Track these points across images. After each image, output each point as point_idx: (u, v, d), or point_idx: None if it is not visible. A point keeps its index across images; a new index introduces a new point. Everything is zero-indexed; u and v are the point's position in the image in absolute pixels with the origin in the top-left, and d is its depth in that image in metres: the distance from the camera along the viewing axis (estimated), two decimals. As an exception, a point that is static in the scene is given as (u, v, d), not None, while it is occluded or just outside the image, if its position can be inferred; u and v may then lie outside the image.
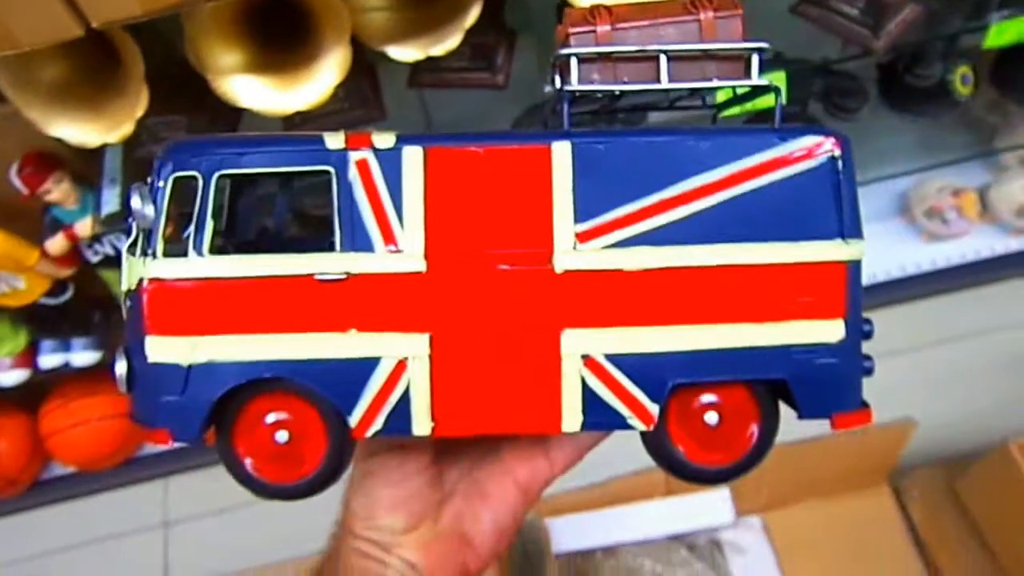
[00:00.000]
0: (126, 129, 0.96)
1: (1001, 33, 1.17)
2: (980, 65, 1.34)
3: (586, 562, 1.37)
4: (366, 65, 1.09)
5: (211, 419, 0.52)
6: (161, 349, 0.51)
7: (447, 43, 0.95)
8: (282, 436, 0.53)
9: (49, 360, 1.38)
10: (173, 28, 0.94)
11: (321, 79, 0.95)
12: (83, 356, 1.38)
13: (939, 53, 1.29)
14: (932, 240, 1.60)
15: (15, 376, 1.38)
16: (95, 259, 1.20)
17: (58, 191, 1.12)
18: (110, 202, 1.13)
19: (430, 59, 0.98)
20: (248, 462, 0.53)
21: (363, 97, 1.08)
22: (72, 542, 1.67)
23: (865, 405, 0.54)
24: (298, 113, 0.98)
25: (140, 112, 0.94)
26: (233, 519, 1.50)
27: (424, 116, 1.27)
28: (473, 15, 0.94)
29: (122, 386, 0.52)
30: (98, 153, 1.12)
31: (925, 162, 1.57)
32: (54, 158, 1.11)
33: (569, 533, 1.38)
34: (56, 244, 1.15)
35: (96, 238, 1.18)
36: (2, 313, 1.31)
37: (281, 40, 0.97)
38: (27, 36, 0.75)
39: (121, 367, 0.52)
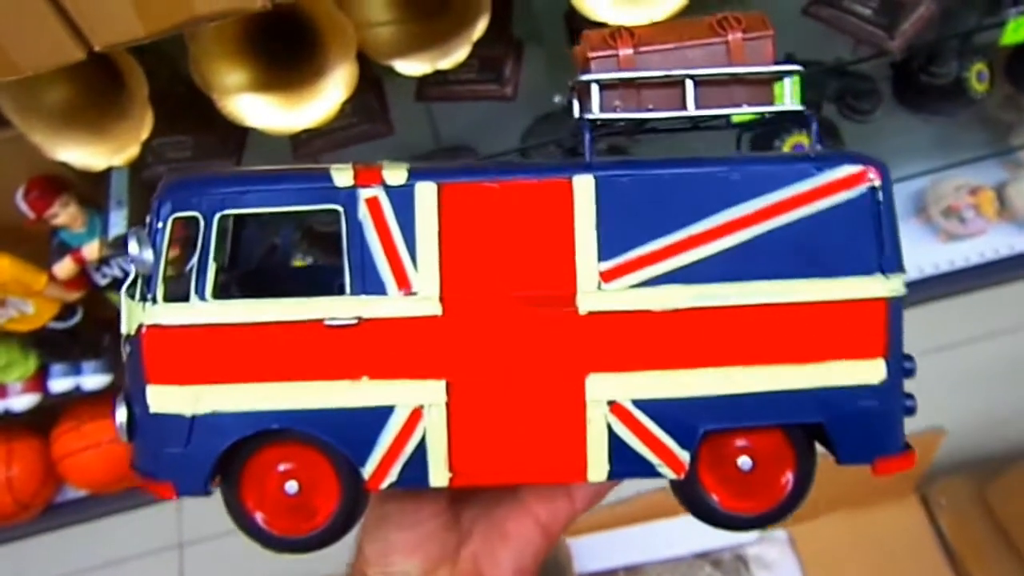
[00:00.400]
0: (131, 151, 0.94)
1: (1018, 29, 1.15)
2: (995, 62, 1.32)
3: (609, 582, 1.35)
4: (373, 79, 1.08)
5: (217, 470, 0.49)
6: (163, 399, 0.49)
7: (455, 56, 0.94)
8: (292, 487, 0.50)
9: (59, 384, 1.38)
10: (178, 48, 0.93)
11: (328, 96, 0.93)
12: (93, 379, 1.37)
13: (954, 51, 1.27)
14: (950, 240, 1.57)
15: (26, 401, 1.37)
16: (103, 282, 1.19)
17: (65, 215, 1.11)
18: (117, 224, 1.12)
19: (437, 72, 0.96)
20: (256, 514, 0.51)
21: (370, 112, 1.07)
22: (87, 565, 1.66)
23: (908, 448, 0.51)
24: (305, 130, 0.96)
25: (145, 134, 0.93)
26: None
27: (432, 130, 1.25)
28: (481, 28, 0.93)
29: (123, 435, 0.50)
30: (104, 175, 1.11)
31: (941, 161, 1.54)
32: (60, 181, 1.11)
33: (591, 553, 1.36)
34: (64, 268, 1.15)
35: (104, 261, 1.17)
36: (11, 338, 1.30)
37: (286, 58, 0.96)
38: (27, 61, 0.74)
39: (121, 415, 0.50)
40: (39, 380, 1.38)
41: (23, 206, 1.09)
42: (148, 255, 0.48)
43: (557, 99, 1.15)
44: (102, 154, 0.95)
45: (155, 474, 0.50)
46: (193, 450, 0.49)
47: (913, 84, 1.31)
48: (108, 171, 1.09)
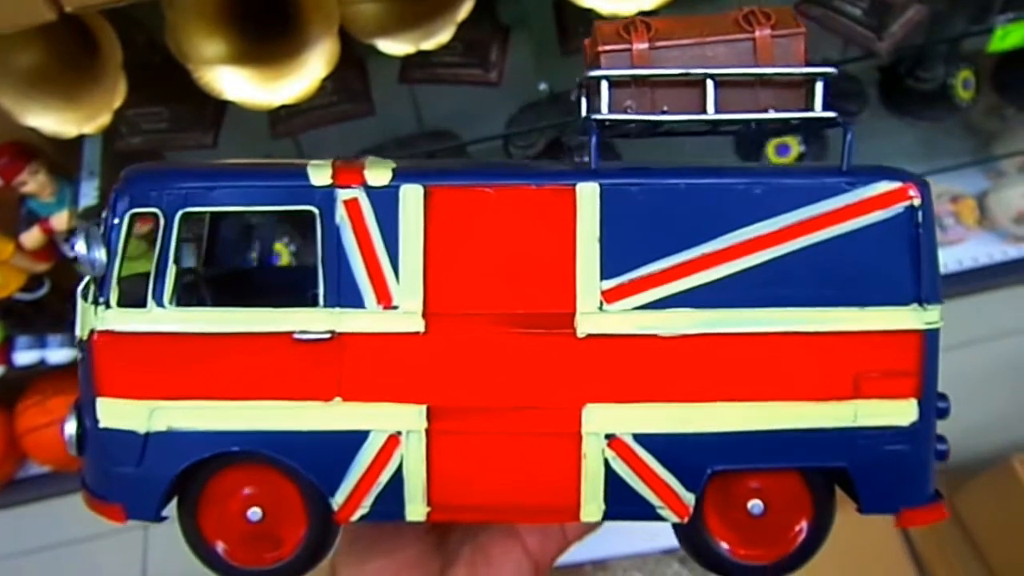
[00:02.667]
0: (103, 119, 0.92)
1: (1005, 36, 1.15)
2: (982, 70, 1.32)
3: (576, 576, 1.34)
4: (355, 59, 1.06)
5: (172, 492, 0.46)
6: (114, 413, 0.45)
7: (439, 37, 0.92)
8: (255, 514, 0.47)
9: (24, 357, 1.35)
10: (155, 17, 0.91)
11: (308, 72, 0.91)
12: (59, 353, 1.34)
13: (941, 57, 1.27)
14: (929, 247, 1.58)
15: (-11, 372, 1.35)
16: (72, 254, 1.16)
17: (34, 183, 1.08)
18: (88, 195, 1.09)
19: (421, 54, 0.95)
20: (215, 543, 0.47)
21: (352, 91, 1.05)
22: (48, 543, 1.63)
23: (937, 497, 0.46)
24: (284, 106, 0.94)
25: (118, 102, 0.90)
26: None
27: (415, 112, 1.23)
28: (466, 8, 0.91)
29: (72, 449, 0.46)
30: (76, 145, 1.08)
31: (923, 167, 1.54)
32: (31, 149, 1.08)
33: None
34: (31, 238, 1.12)
35: (73, 232, 1.14)
36: (-24, 306, 1.27)
37: (267, 30, 0.94)
38: (-3, 20, 0.71)
39: (71, 427, 0.46)
40: (3, 352, 1.35)
41: (-9, 172, 1.07)
42: (100, 255, 0.44)
43: (543, 87, 1.13)
44: (73, 121, 0.93)
45: (104, 495, 0.46)
46: (145, 470, 0.45)
47: (899, 88, 1.31)
48: (80, 141, 1.07)
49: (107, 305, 0.45)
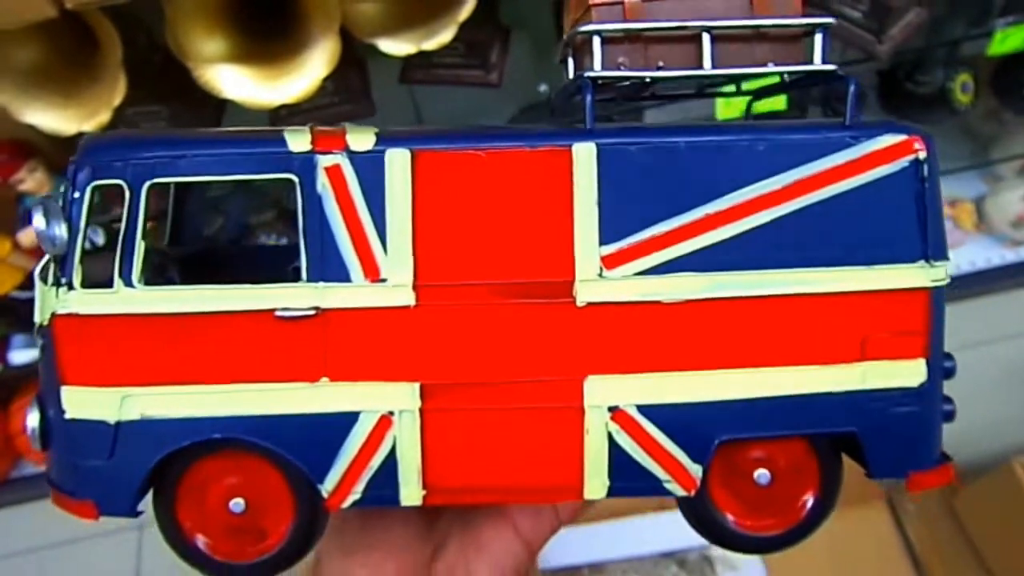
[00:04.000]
0: (102, 117, 0.92)
1: (1005, 40, 1.15)
2: (980, 74, 1.33)
3: (572, 579, 1.34)
4: (356, 59, 1.06)
5: (148, 484, 0.43)
6: (81, 402, 0.42)
7: (440, 37, 0.92)
8: (238, 505, 0.44)
9: (20, 355, 1.34)
10: (155, 15, 0.91)
11: (309, 71, 0.91)
12: (56, 353, 1.33)
13: (940, 60, 1.27)
14: (927, 251, 1.58)
15: (-16, 371, 1.34)
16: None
17: (32, 180, 1.08)
18: (86, 194, 1.09)
19: (422, 54, 0.95)
20: (195, 536, 0.44)
21: (352, 92, 1.05)
22: (42, 543, 1.62)
23: (945, 459, 0.45)
24: (284, 106, 0.94)
25: (117, 99, 0.90)
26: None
27: (415, 113, 1.23)
28: (467, 9, 0.91)
29: (35, 443, 0.43)
30: (74, 143, 1.08)
31: (921, 171, 1.55)
32: (29, 146, 1.08)
33: (555, 548, 1.33)
34: (29, 236, 1.12)
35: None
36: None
37: (268, 29, 0.93)
38: (-3, 16, 0.71)
39: (33, 419, 0.43)
40: (-1, 350, 1.35)
41: (-12, 170, 1.06)
42: (60, 231, 0.41)
43: (543, 88, 1.13)
44: (72, 119, 0.92)
45: (72, 491, 0.43)
46: (118, 463, 0.42)
47: (898, 91, 1.31)
48: (78, 139, 1.06)
49: (70, 286, 0.41)
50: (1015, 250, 1.56)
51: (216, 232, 0.58)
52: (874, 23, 1.06)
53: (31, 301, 1.26)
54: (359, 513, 0.48)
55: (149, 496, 0.45)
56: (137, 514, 0.43)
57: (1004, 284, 1.55)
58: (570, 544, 1.35)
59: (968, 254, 1.56)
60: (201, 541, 0.44)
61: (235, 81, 0.92)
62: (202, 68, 0.90)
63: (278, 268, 0.43)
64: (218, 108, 1.05)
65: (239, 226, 0.56)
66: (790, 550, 0.46)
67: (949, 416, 0.45)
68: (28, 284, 1.23)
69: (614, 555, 1.33)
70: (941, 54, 1.26)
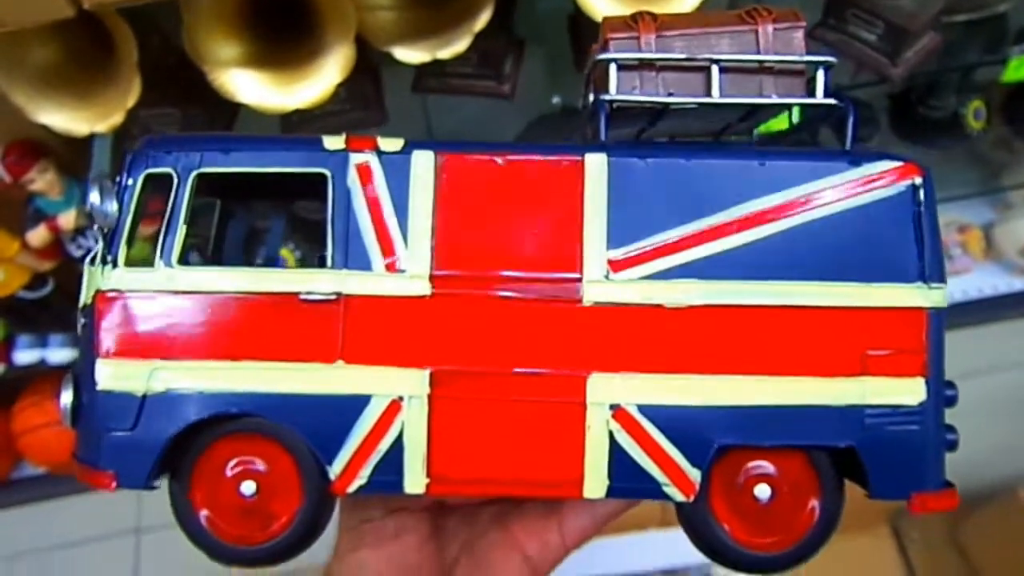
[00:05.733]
0: (116, 119, 0.92)
1: (1020, 67, 1.15)
2: (993, 101, 1.32)
3: (571, 595, 1.32)
4: (370, 67, 1.06)
5: (165, 462, 0.45)
6: (113, 375, 0.44)
7: (455, 46, 0.92)
8: (248, 488, 0.46)
9: (24, 356, 1.34)
10: (171, 18, 0.91)
11: (323, 77, 0.91)
12: (60, 353, 1.33)
13: (954, 86, 1.27)
14: (936, 276, 1.57)
15: (-12, 370, 1.34)
16: (78, 253, 1.16)
17: (42, 181, 1.08)
18: (96, 195, 1.09)
19: (436, 64, 0.95)
20: (205, 517, 0.46)
21: (365, 99, 1.05)
22: (40, 546, 1.62)
23: (949, 484, 0.45)
24: (296, 111, 0.94)
25: (132, 102, 0.90)
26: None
27: (426, 122, 1.23)
28: (483, 19, 0.91)
29: (66, 419, 0.46)
30: (86, 145, 1.08)
31: (931, 196, 1.54)
32: (40, 147, 1.08)
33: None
34: (38, 236, 1.11)
35: (80, 231, 1.14)
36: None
37: (283, 34, 0.93)
38: (13, 15, 0.71)
39: (67, 396, 0.46)
40: (4, 350, 1.35)
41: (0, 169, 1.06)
42: (111, 208, 0.45)
43: (556, 100, 1.14)
44: (85, 119, 0.92)
45: (95, 462, 0.45)
46: (141, 433, 0.44)
47: (910, 115, 1.31)
48: (90, 141, 1.07)
49: (115, 264, 0.45)
50: (1023, 278, 1.56)
51: (253, 258, 0.62)
52: (889, 46, 1.06)
53: (37, 302, 1.26)
54: (374, 530, 0.49)
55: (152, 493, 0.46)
56: (152, 487, 0.45)
57: (1012, 312, 1.55)
58: (571, 559, 1.33)
59: (976, 281, 1.56)
60: (213, 524, 0.46)
61: (250, 85, 0.92)
62: (217, 72, 0.90)
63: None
64: (231, 112, 1.05)
65: (276, 253, 0.60)
66: (793, 572, 0.46)
67: (952, 445, 0.46)
68: (34, 285, 1.23)
69: (615, 571, 1.32)
70: (955, 79, 1.26)
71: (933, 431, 0.45)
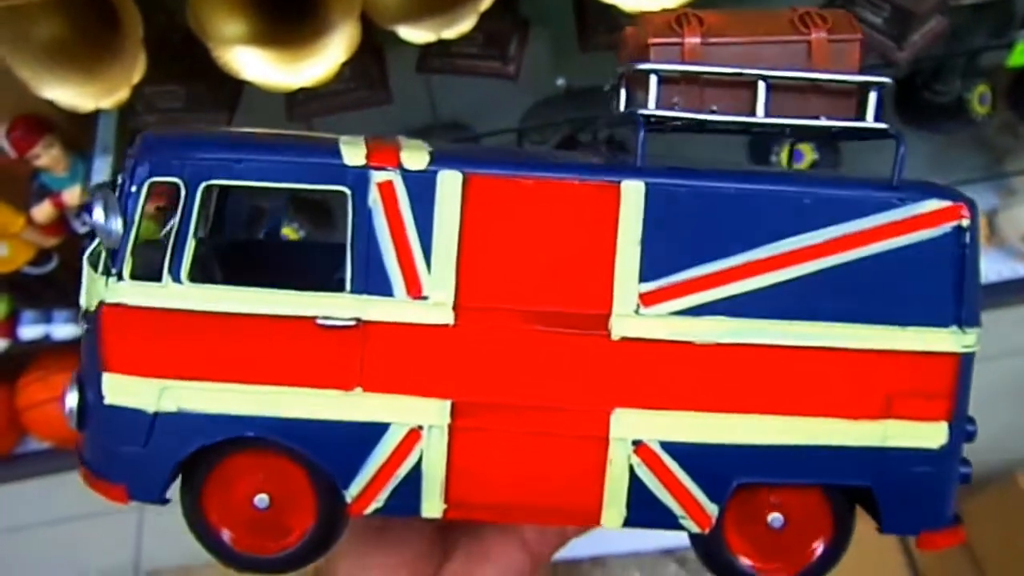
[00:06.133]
0: (121, 95, 0.92)
1: (1026, 52, 1.15)
2: (999, 86, 1.32)
3: (573, 572, 1.34)
4: (374, 46, 1.06)
5: (178, 472, 0.44)
6: (122, 390, 0.43)
7: (460, 26, 0.92)
8: (262, 501, 0.45)
9: (29, 331, 1.34)
10: (178, -6, 0.91)
11: (328, 56, 0.91)
12: (64, 329, 1.34)
13: (959, 70, 1.26)
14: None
15: (-8, 345, 1.34)
16: (82, 229, 1.16)
17: (47, 156, 1.08)
18: (101, 171, 1.09)
19: (440, 44, 0.95)
20: (219, 527, 0.45)
21: (370, 78, 1.05)
22: (44, 519, 1.63)
23: (957, 520, 0.46)
24: (301, 89, 0.94)
25: (137, 77, 0.90)
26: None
27: (430, 104, 1.23)
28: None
29: (72, 421, 0.45)
30: (91, 120, 1.08)
31: (935, 180, 1.54)
32: (45, 122, 1.08)
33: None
34: (42, 211, 1.12)
35: (84, 207, 1.14)
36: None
37: (288, 12, 0.93)
38: (19, -14, 0.71)
39: (72, 399, 0.45)
40: (9, 325, 1.35)
41: (5, 144, 1.07)
42: (116, 225, 0.42)
43: (560, 82, 1.13)
44: (91, 95, 0.92)
45: (106, 474, 0.44)
46: (152, 451, 0.43)
47: (915, 100, 1.30)
48: (95, 116, 1.07)
49: (120, 277, 0.42)
50: (1027, 264, 1.56)
51: (256, 226, 0.59)
52: (895, 29, 1.06)
53: (42, 277, 1.26)
54: (380, 522, 0.49)
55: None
56: (165, 501, 0.44)
57: (1015, 299, 1.55)
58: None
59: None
60: (224, 532, 0.46)
61: (254, 63, 0.92)
62: (222, 49, 0.90)
63: (319, 270, 0.45)
64: (236, 90, 1.05)
65: (278, 231, 0.57)
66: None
67: (966, 478, 0.46)
68: (39, 260, 1.24)
69: (616, 549, 1.33)
70: (960, 64, 1.25)
71: (949, 472, 0.45)
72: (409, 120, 1.21)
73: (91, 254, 0.46)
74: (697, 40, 0.44)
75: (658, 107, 0.44)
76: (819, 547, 0.46)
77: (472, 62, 1.05)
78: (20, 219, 1.12)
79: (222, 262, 0.50)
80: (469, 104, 1.23)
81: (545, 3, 1.14)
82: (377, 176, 0.42)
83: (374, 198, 0.42)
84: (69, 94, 0.93)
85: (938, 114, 1.31)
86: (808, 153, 1.22)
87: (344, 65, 0.92)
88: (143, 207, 0.43)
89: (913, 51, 1.06)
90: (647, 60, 0.44)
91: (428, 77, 1.13)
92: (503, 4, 0.95)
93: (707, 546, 0.46)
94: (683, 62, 0.44)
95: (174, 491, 0.46)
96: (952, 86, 1.27)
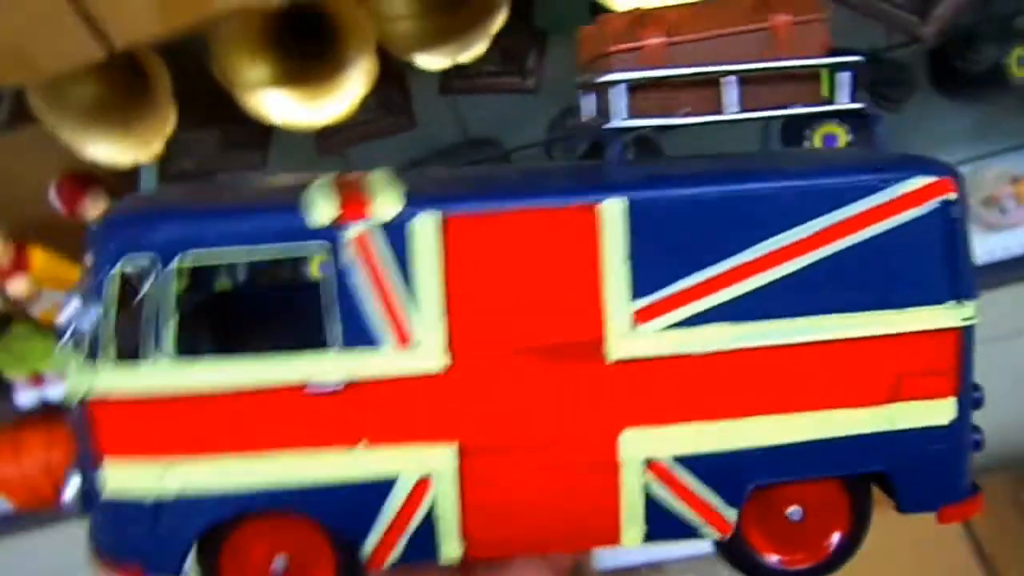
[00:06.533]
0: (156, 147, 0.95)
1: (1061, 11, 1.11)
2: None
3: (631, 578, 1.33)
4: (396, 73, 1.08)
5: (191, 546, 0.43)
6: (122, 477, 0.42)
7: (473, 49, 0.93)
8: (280, 564, 0.44)
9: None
10: (204, 43, 0.94)
11: (348, 90, 0.93)
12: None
13: (993, 35, 1.23)
14: (990, 231, 1.53)
15: (61, 390, 1.40)
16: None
17: (95, 209, 1.12)
18: (147, 218, 1.13)
19: (459, 65, 0.96)
20: None
21: (393, 105, 1.07)
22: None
23: (975, 490, 0.46)
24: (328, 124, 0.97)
25: (169, 130, 0.93)
26: None
27: (458, 122, 1.25)
28: (499, 20, 0.92)
29: (75, 509, 0.43)
30: (133, 169, 1.12)
31: (981, 149, 1.49)
32: (90, 176, 1.12)
33: (613, 549, 1.32)
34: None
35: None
36: (47, 329, 1.33)
37: (307, 53, 0.96)
38: (49, 61, 0.75)
39: (73, 487, 0.43)
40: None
41: (55, 201, 1.11)
42: (97, 313, 0.41)
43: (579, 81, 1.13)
44: (128, 150, 0.96)
45: (119, 556, 0.44)
46: (161, 533, 0.42)
47: (950, 71, 1.27)
48: (135, 169, 1.11)
49: (102, 361, 0.41)
50: (1082, 227, 1.50)
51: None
52: (917, 3, 1.03)
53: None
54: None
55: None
56: (182, 574, 0.44)
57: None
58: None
59: (1028, 233, 1.51)
60: None
61: (279, 104, 0.94)
62: (247, 94, 0.93)
63: (301, 316, 0.43)
64: (266, 129, 1.08)
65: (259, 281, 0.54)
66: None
67: (978, 445, 0.45)
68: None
69: (672, 554, 1.32)
70: (993, 29, 1.22)
71: (962, 445, 0.45)
72: (438, 140, 1.23)
73: (70, 338, 0.44)
74: (659, 41, 0.43)
75: (631, 118, 0.43)
76: (838, 534, 0.46)
77: (491, 80, 1.06)
78: (77, 270, 1.17)
79: (206, 322, 0.50)
80: (496, 119, 1.24)
81: (560, 12, 1.15)
82: (350, 232, 0.41)
83: (350, 256, 0.41)
84: (108, 151, 0.96)
85: (976, 83, 1.27)
86: (842, 136, 1.20)
87: (368, 95, 0.94)
88: (117, 290, 0.41)
89: (939, 24, 1.03)
90: (609, 67, 0.44)
91: (454, 97, 1.14)
92: (517, 18, 0.96)
93: (731, 550, 0.46)
94: (646, 66, 0.43)
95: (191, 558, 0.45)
96: (986, 53, 1.23)
